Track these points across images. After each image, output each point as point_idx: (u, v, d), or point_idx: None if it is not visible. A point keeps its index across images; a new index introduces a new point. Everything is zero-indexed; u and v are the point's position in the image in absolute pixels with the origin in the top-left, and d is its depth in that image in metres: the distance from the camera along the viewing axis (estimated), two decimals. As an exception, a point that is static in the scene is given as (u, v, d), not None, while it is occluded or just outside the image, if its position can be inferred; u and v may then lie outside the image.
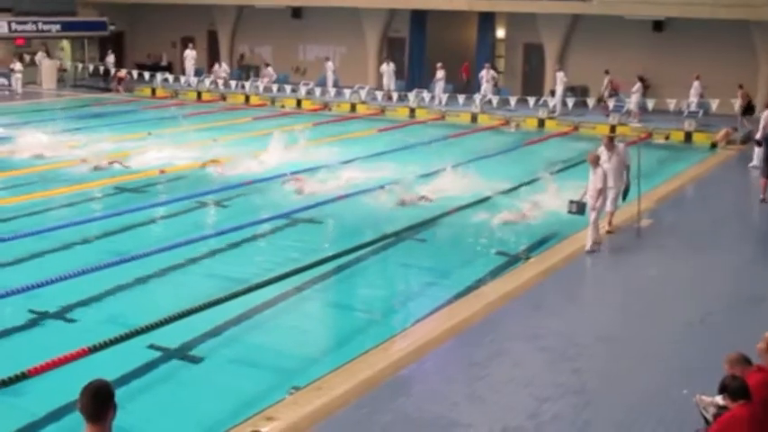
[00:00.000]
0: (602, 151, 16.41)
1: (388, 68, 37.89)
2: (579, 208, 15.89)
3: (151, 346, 11.18)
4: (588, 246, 15.35)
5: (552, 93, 34.83)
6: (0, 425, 9.15)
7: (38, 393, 9.88)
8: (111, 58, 43.84)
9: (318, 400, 9.34)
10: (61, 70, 44.81)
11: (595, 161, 15.53)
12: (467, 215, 18.52)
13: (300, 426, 8.73)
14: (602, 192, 15.38)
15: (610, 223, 16.63)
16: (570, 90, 35.05)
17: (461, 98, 35.07)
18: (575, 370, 10.41)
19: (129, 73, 41.89)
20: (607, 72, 35.00)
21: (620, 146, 16.97)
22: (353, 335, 12.14)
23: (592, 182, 15.46)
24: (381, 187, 20.24)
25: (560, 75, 34.38)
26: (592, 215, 15.41)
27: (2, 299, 12.67)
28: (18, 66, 40.53)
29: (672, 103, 32.12)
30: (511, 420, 9.06)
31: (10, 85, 40.73)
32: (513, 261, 15.27)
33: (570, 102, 33.68)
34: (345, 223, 18.07)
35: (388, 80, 37.85)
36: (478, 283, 13.87)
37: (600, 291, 14.21)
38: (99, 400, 5.08)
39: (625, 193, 16.81)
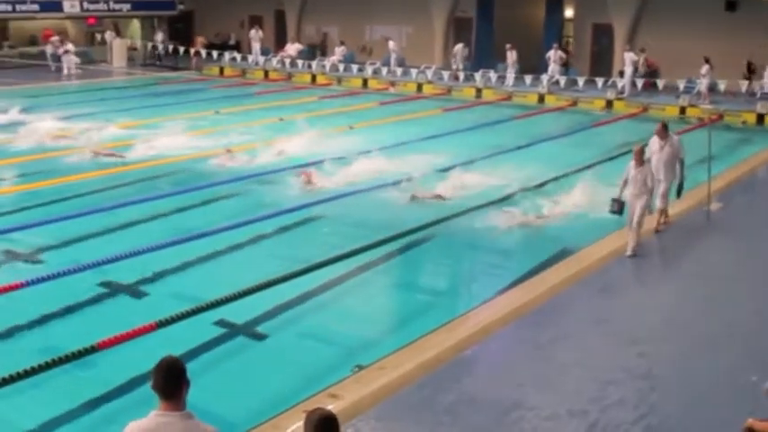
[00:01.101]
0: (654, 140, 15.39)
1: (461, 51, 37.65)
2: (620, 207, 14.43)
3: (218, 323, 11.32)
4: (629, 250, 13.89)
5: (621, 73, 34.31)
6: (71, 397, 9.36)
7: (107, 366, 10.06)
8: (159, 37, 44.38)
9: (382, 379, 9.38)
10: (131, 49, 45.40)
11: (640, 157, 14.11)
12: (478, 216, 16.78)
13: (363, 404, 8.77)
14: (644, 191, 13.94)
15: (660, 221, 15.48)
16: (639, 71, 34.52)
17: (528, 79, 34.77)
18: (640, 354, 10.30)
19: (198, 53, 42.23)
20: (643, 50, 34.54)
21: (675, 137, 15.64)
22: (417, 315, 12.17)
23: (634, 178, 14.00)
24: (404, 180, 18.96)
25: (630, 55, 33.85)
26: (634, 216, 13.97)
27: (74, 273, 12.93)
28: (70, 47, 40.21)
29: (744, 85, 31.49)
30: (575, 404, 9.00)
31: (60, 64, 40.97)
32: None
33: (639, 83, 33.23)
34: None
35: (459, 62, 37.58)
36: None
37: (668, 274, 14.00)
38: (172, 377, 5.17)
39: (679, 190, 15.69)
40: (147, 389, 8.34)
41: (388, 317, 12.45)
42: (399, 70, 37.83)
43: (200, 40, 43.91)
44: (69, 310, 11.81)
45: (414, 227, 15.62)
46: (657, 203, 15.27)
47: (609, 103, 32.80)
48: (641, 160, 14.10)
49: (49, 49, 41.24)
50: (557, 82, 34.83)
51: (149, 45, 45.37)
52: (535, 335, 10.93)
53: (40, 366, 9.69)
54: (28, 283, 12.39)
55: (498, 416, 8.73)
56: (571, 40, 40.84)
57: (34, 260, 13.86)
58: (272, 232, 15.66)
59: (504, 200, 17.81)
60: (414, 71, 37.23)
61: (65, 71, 38.99)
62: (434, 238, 15.42)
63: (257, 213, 16.41)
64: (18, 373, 9.47)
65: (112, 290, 12.62)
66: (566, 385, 9.49)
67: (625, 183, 14.16)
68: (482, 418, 8.70)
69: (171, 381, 5.16)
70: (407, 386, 9.34)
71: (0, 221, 15.74)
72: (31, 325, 11.27)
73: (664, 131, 15.38)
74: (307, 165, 20.38)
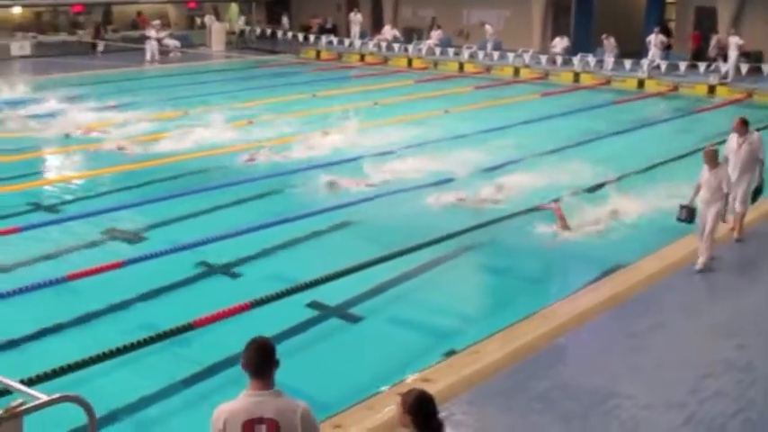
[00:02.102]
0: (732, 138, 14.13)
1: (560, 43, 37.12)
2: (689, 214, 12.86)
3: (311, 304, 11.43)
4: (699, 263, 12.53)
5: (724, 58, 33.40)
6: (168, 373, 9.56)
7: (202, 344, 10.25)
8: (285, 19, 44.93)
9: (474, 365, 9.35)
10: (230, 33, 46.04)
11: (713, 159, 12.53)
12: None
13: (456, 389, 8.76)
14: (718, 196, 12.47)
15: (736, 229, 13.99)
16: (744, 56, 33.53)
17: (628, 63, 34.14)
18: (739, 346, 10.05)
19: (295, 36, 42.55)
20: (716, 32, 33.49)
21: (755, 134, 14.19)
22: (510, 301, 12.05)
23: (707, 182, 12.54)
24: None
25: (735, 39, 32.93)
26: (706, 225, 12.59)
27: (172, 253, 13.22)
28: (154, 33, 39.88)
29: None
30: (671, 395, 8.83)
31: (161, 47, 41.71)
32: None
33: (744, 68, 32.33)
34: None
35: (559, 50, 37.05)
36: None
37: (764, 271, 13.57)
38: (264, 356, 5.24)
39: (756, 194, 14.15)
40: (235, 370, 8.51)
41: (480, 303, 12.36)
42: (496, 54, 37.54)
43: (315, 22, 43.91)
44: (167, 289, 12.05)
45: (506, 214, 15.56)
46: (737, 207, 13.90)
47: (711, 89, 32.00)
48: (715, 162, 12.57)
49: (150, 33, 42.12)
50: (657, 66, 34.12)
51: (247, 29, 45.93)
52: (630, 324, 10.75)
53: (139, 342, 9.95)
54: (128, 262, 12.74)
55: (593, 404, 8.62)
56: (672, 23, 39.98)
57: (134, 239, 14.17)
58: (359, 218, 15.70)
59: (595, 189, 17.51)
60: (510, 55, 36.90)
61: (147, 57, 38.87)
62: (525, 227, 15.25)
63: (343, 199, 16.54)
64: (118, 348, 9.73)
65: (209, 270, 12.83)
66: (661, 376, 9.31)
67: (698, 188, 12.73)
68: (576, 405, 8.60)
69: (263, 359, 5.23)
70: (500, 372, 9.29)
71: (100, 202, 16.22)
72: (132, 302, 11.53)
73: (743, 127, 14.04)
74: (389, 153, 20.42)
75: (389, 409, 8.11)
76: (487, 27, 39.55)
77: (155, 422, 8.66)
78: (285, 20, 45.25)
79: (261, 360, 5.23)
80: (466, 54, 38.09)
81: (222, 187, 17.23)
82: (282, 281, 12.05)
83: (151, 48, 39.15)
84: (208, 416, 8.36)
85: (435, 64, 38.60)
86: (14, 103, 26.35)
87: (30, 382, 8.03)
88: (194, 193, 16.77)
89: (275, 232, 14.36)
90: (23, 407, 4.68)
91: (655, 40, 35.07)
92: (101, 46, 41.77)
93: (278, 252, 13.72)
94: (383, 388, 8.83)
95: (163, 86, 32.19)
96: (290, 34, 42.54)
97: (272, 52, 42.99)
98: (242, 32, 46.34)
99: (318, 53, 41.96)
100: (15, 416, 4.65)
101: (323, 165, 19.01)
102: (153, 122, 23.99)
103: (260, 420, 5.11)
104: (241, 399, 5.21)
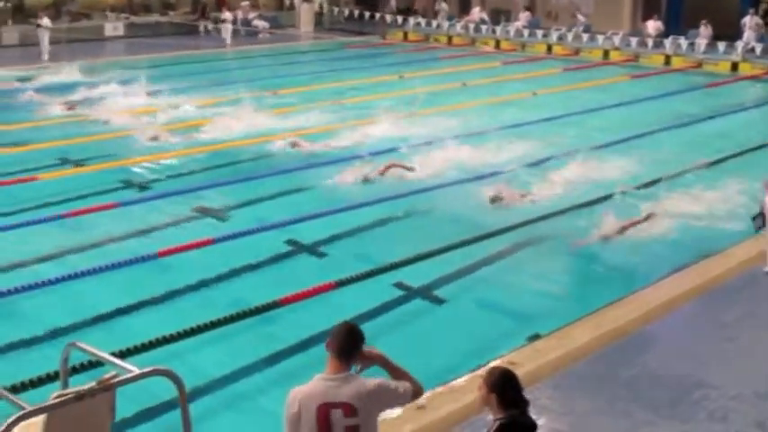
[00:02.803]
0: None
1: (653, 25, 36.35)
2: (764, 221, 12.08)
3: (396, 285, 11.45)
4: None
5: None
6: (253, 349, 9.69)
7: (287, 322, 10.37)
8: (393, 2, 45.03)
9: (560, 350, 9.27)
10: (318, 14, 46.23)
11: None
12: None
13: (541, 374, 8.70)
14: None
15: None
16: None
17: (722, 45, 33.29)
18: (833, 337, 9.79)
19: (383, 17, 42.51)
20: (757, 13, 32.40)
21: None
22: (598, 286, 11.88)
23: None
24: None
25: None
26: None
27: (261, 232, 13.39)
28: (227, 15, 39.55)
29: None
30: (761, 386, 8.64)
31: (250, 28, 41.79)
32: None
33: None
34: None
35: (651, 31, 36.30)
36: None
37: None
38: (350, 340, 5.26)
39: None
40: (322, 348, 8.58)
41: (565, 287, 12.18)
42: (585, 36, 36.96)
43: (476, 10, 43.26)
44: (255, 267, 12.20)
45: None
46: None
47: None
48: None
49: (239, 14, 42.60)
50: (752, 49, 33.19)
51: (335, 9, 46.07)
52: (719, 312, 10.53)
53: (225, 318, 10.13)
54: (217, 240, 12.94)
55: (680, 393, 8.48)
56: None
57: (223, 218, 14.37)
58: (450, 197, 15.65)
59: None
60: (600, 37, 36.29)
61: (228, 40, 38.40)
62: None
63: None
64: (206, 324, 9.92)
65: (296, 249, 12.94)
66: (752, 366, 9.12)
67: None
68: (663, 394, 8.47)
69: (348, 343, 5.25)
70: (586, 358, 9.21)
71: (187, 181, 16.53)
72: (220, 279, 11.70)
73: None
74: (482, 133, 20.28)
75: (473, 391, 8.13)
76: (579, 17, 38.86)
77: (241, 398, 8.77)
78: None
79: (346, 343, 5.24)
80: (554, 36, 37.59)
81: (307, 168, 17.33)
82: (367, 261, 12.11)
83: (225, 31, 38.81)
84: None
85: (523, 46, 38.16)
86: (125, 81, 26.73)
87: (120, 356, 8.22)
88: (280, 174, 16.91)
89: (363, 213, 14.43)
90: (116, 379, 4.81)
91: (750, 22, 34.11)
92: (204, 26, 42.35)
93: (363, 232, 13.77)
94: (466, 370, 8.80)
95: (249, 67, 32.57)
96: (377, 15, 42.47)
97: (360, 33, 43.05)
98: (330, 13, 46.47)
99: (406, 35, 41.86)
100: (108, 388, 4.78)
101: (416, 144, 18.93)
102: (238, 102, 24.21)
103: (335, 404, 5.10)
104: (316, 382, 5.21)
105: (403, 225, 14.38)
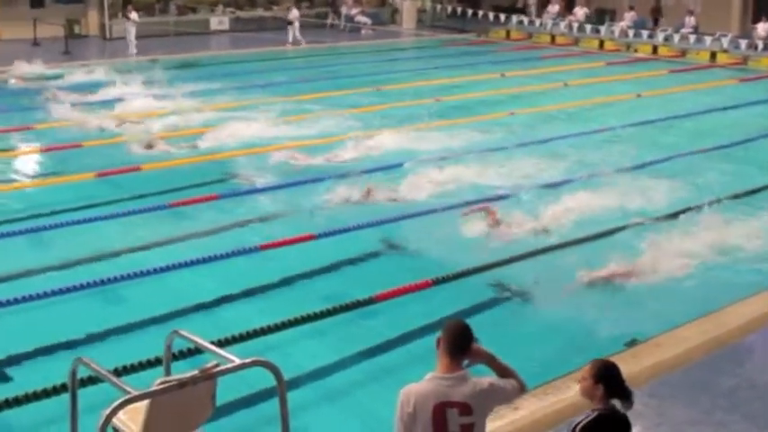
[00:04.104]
0: None
1: (764, 25, 35.36)
2: None
3: (493, 284, 11.42)
4: None
5: None
6: (350, 343, 9.77)
7: (384, 318, 10.43)
8: None
9: (658, 356, 9.13)
10: (420, 11, 46.27)
11: None
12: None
13: (637, 380, 8.52)
14: None
15: None
16: None
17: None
18: None
19: (486, 15, 42.32)
20: None
21: None
22: (702, 291, 11.50)
23: None
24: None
25: None
26: None
27: (359, 229, 13.47)
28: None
29: None
30: None
31: (353, 24, 41.87)
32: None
33: None
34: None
35: (762, 33, 35.26)
36: None
37: None
38: (464, 337, 5.28)
39: None
40: (418, 345, 8.62)
41: (666, 292, 11.94)
42: (692, 38, 36.16)
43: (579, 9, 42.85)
44: (353, 262, 12.33)
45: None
46: None
47: None
48: None
49: (343, 10, 42.97)
50: None
51: (438, 7, 46.04)
52: (830, 322, 10.22)
53: (323, 312, 10.24)
54: (319, 236, 13.08)
55: (781, 406, 8.28)
56: None
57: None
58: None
59: None
60: (708, 39, 35.45)
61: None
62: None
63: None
64: (303, 317, 10.04)
65: (390, 246, 13.00)
66: None
67: None
68: (762, 405, 8.27)
69: (458, 342, 5.26)
70: (683, 366, 9.04)
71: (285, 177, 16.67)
72: (319, 273, 11.86)
73: None
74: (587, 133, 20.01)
75: (564, 396, 8.08)
76: (688, 19, 37.92)
77: (337, 392, 8.86)
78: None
79: (457, 342, 5.26)
80: (660, 36, 36.87)
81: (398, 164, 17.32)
82: (463, 261, 12.08)
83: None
84: (388, 389, 8.52)
85: (628, 46, 37.53)
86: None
87: (217, 345, 8.38)
88: (385, 170, 17.00)
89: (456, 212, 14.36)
90: (217, 369, 4.93)
91: None
92: (332, 19, 42.83)
93: (458, 233, 13.71)
94: (562, 373, 8.74)
95: (353, 63, 32.79)
96: (480, 13, 42.28)
97: (462, 31, 42.93)
98: (433, 10, 46.48)
99: (508, 33, 41.59)
100: (210, 377, 4.91)
101: (528, 143, 18.89)
102: (340, 96, 24.51)
103: (451, 404, 5.12)
104: (430, 381, 5.22)
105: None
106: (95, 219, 13.87)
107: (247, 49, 35.50)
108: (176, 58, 32.28)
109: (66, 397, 7.90)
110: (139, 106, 22.76)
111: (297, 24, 37.01)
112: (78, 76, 27.20)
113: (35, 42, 34.29)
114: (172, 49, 34.46)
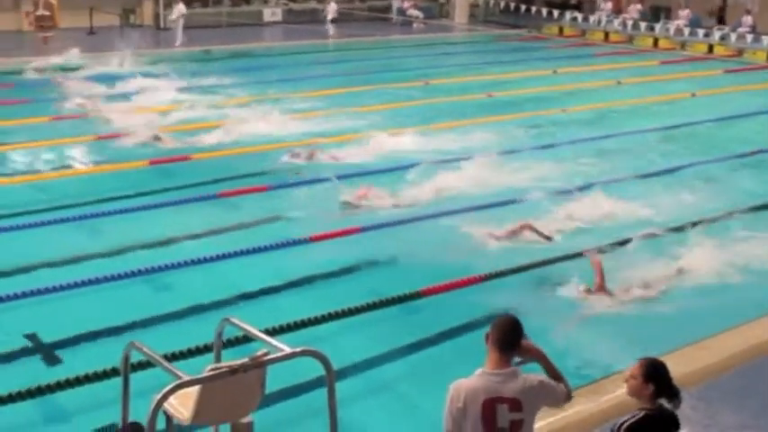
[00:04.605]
0: None
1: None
2: None
3: (542, 282, 11.35)
4: None
5: None
6: (396, 337, 9.78)
7: (431, 312, 10.41)
8: None
9: (706, 361, 9.03)
10: (473, 5, 46.10)
11: None
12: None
13: (685, 382, 8.39)
14: None
15: None
16: None
17: None
18: None
19: (539, 11, 42.05)
20: None
21: None
22: (749, 295, 11.34)
23: None
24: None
25: None
26: None
27: (405, 224, 13.48)
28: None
29: None
30: None
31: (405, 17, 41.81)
32: None
33: None
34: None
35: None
36: None
37: None
38: (511, 334, 5.26)
39: None
40: (465, 340, 8.60)
41: (715, 296, 11.76)
42: (750, 37, 35.62)
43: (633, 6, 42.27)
44: (398, 256, 12.28)
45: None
46: None
47: None
48: None
49: (395, 3, 42.95)
50: None
51: (491, 1, 45.85)
52: None
53: (368, 305, 10.32)
54: (364, 229, 13.14)
55: (833, 413, 8.16)
56: None
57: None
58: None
59: None
60: (765, 38, 34.88)
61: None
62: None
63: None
64: (349, 309, 10.12)
65: (439, 241, 12.94)
66: None
67: None
68: (814, 413, 8.17)
69: (509, 337, 5.24)
70: (732, 370, 8.94)
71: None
72: (365, 265, 11.92)
73: None
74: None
75: (614, 395, 8.02)
76: (745, 18, 37.34)
77: (382, 385, 8.89)
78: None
79: (507, 337, 5.24)
80: (717, 35, 36.37)
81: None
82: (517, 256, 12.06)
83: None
84: (433, 383, 8.57)
85: (683, 45, 37.06)
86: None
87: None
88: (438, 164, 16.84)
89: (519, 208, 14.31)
90: (267, 357, 4.98)
91: None
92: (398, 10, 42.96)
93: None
94: (609, 372, 8.68)
95: (403, 57, 32.82)
96: (533, 9, 42.03)
97: (515, 27, 42.70)
98: (485, 5, 46.29)
99: (561, 29, 41.27)
100: (260, 365, 4.96)
101: (576, 141, 18.87)
102: (390, 90, 24.55)
103: (501, 399, 5.12)
104: (480, 376, 5.21)
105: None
106: (146, 207, 14.08)
107: (299, 41, 35.62)
108: (227, 49, 32.53)
109: (115, 381, 8.10)
110: (184, 96, 22.99)
111: (330, 17, 36.87)
112: (131, 66, 27.44)
113: (91, 31, 34.70)
114: (224, 39, 34.65)
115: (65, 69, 26.44)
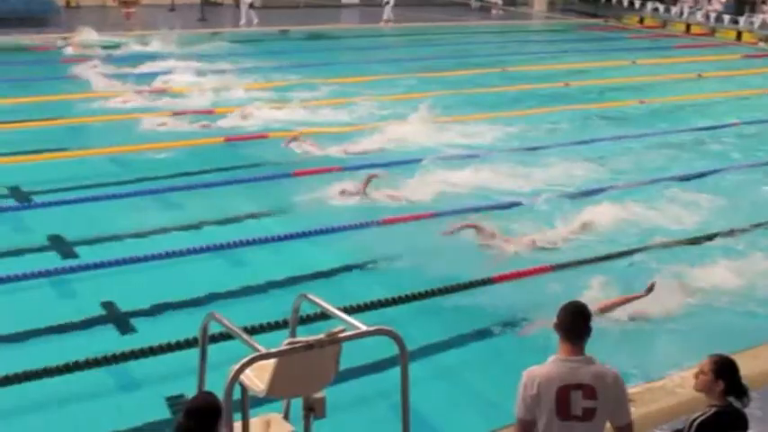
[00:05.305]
0: None
1: None
2: None
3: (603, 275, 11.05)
4: None
5: None
6: (464, 323, 9.78)
7: (499, 299, 10.33)
8: None
9: (757, 369, 8.84)
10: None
11: None
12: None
13: (755, 382, 8.27)
14: None
15: None
16: None
17: None
18: None
19: (619, 0, 41.50)
20: None
21: None
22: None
23: None
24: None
25: None
26: None
27: (481, 211, 13.35)
28: None
29: None
30: None
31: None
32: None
33: None
34: None
35: None
36: None
37: None
38: (580, 321, 5.21)
39: None
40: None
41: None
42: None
43: None
44: (470, 243, 12.14)
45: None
46: None
47: None
48: None
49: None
50: None
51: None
52: None
53: (439, 290, 10.34)
54: (438, 214, 13.10)
55: None
56: None
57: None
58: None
59: None
60: None
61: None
62: None
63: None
64: (419, 293, 10.19)
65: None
66: None
67: None
68: None
69: (578, 324, 5.19)
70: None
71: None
72: (436, 252, 11.81)
73: None
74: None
75: (683, 390, 7.94)
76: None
77: (449, 370, 8.89)
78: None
79: (576, 325, 5.19)
80: (803, 31, 35.50)
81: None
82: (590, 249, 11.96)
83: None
84: (500, 370, 8.61)
85: (767, 39, 36.22)
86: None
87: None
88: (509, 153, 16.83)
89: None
90: (344, 334, 5.05)
91: None
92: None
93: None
94: (677, 369, 8.56)
95: (481, 43, 32.68)
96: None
97: (594, 16, 42.22)
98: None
99: (642, 19, 40.68)
100: (336, 341, 5.03)
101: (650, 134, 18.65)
102: (466, 76, 24.46)
103: (576, 386, 5.08)
104: (553, 363, 5.18)
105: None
106: (221, 183, 14.33)
107: (375, 24, 35.63)
108: (304, 30, 32.71)
109: (185, 353, 8.31)
110: (252, 77, 23.20)
111: (392, 2, 35.99)
112: (206, 46, 27.75)
113: (172, 8, 35.18)
114: (300, 20, 34.80)
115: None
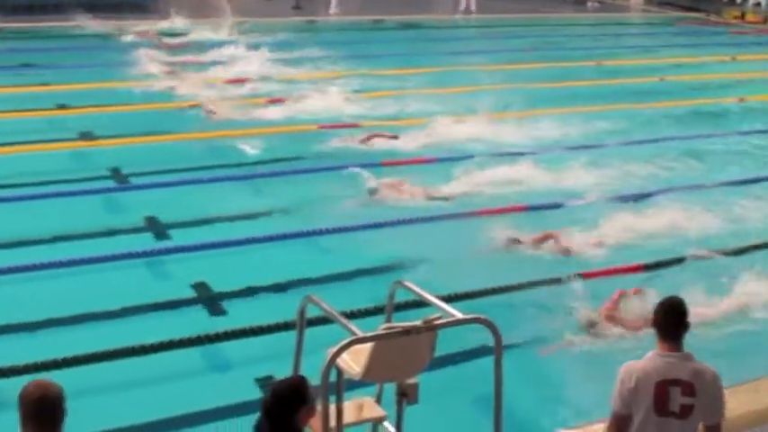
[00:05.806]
0: None
1: None
2: None
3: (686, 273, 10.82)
4: None
5: None
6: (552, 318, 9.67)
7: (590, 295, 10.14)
8: None
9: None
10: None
11: None
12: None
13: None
14: None
15: None
16: None
17: None
18: None
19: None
20: None
21: None
22: None
23: None
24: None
25: None
26: None
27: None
28: None
29: None
30: None
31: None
32: None
33: None
34: None
35: None
36: None
37: None
38: (676, 318, 5.14)
39: None
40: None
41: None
42: None
43: None
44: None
45: None
46: None
47: None
48: None
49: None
50: None
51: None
52: None
53: (527, 283, 10.28)
54: (530, 208, 13.06)
55: None
56: None
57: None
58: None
59: None
60: None
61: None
62: None
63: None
64: (506, 286, 10.21)
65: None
66: None
67: None
68: None
69: (674, 321, 5.13)
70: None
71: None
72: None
73: None
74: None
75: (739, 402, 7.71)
76: None
77: (536, 364, 8.81)
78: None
79: (672, 321, 5.14)
80: None
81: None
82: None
83: None
84: (589, 367, 8.49)
85: None
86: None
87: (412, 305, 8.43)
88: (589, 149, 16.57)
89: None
90: (440, 321, 5.05)
91: None
92: None
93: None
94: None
95: (576, 35, 32.29)
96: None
97: (693, 9, 41.26)
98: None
99: (743, 14, 39.64)
100: (432, 328, 5.03)
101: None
102: (558, 69, 24.20)
103: (675, 382, 5.03)
104: (652, 359, 5.15)
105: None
106: (311, 170, 14.46)
107: (479, 15, 35.42)
108: (397, 20, 32.66)
109: (274, 336, 8.43)
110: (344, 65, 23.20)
111: None
112: (302, 35, 27.83)
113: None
114: (392, 9, 34.70)
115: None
